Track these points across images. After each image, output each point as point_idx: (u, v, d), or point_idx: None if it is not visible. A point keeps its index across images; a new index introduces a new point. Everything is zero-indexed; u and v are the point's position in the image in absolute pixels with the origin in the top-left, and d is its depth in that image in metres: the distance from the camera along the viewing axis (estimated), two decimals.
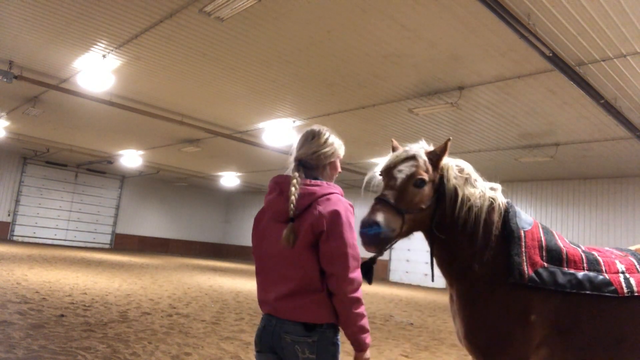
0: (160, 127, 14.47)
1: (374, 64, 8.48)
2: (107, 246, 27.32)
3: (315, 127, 2.29)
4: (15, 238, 24.06)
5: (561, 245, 2.55)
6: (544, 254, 2.48)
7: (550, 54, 6.82)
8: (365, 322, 2.03)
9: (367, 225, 2.23)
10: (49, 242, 24.99)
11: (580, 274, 2.44)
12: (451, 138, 2.59)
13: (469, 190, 2.56)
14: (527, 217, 2.67)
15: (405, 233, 2.41)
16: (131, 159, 20.06)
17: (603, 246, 2.98)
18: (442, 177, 2.51)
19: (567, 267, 2.46)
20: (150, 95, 11.65)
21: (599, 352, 2.42)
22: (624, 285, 2.44)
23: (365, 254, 2.19)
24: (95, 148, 19.89)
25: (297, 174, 2.13)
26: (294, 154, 2.24)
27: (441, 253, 2.57)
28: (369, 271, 2.39)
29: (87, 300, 8.12)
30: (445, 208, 2.50)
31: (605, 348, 2.42)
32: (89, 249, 24.65)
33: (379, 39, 7.50)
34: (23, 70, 10.49)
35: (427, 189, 2.44)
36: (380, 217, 2.26)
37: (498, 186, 2.70)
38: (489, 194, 2.62)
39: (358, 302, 2.02)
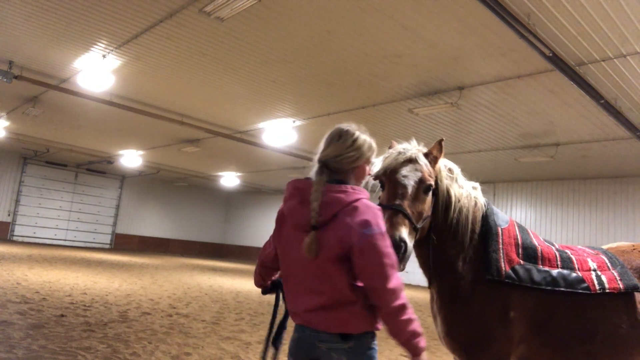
0: (160, 127, 14.46)
1: (374, 64, 8.47)
2: (107, 246, 27.31)
3: (345, 126, 2.07)
4: (15, 238, 24.05)
5: (536, 243, 2.60)
6: (520, 251, 2.53)
7: (550, 54, 6.81)
8: (415, 326, 1.89)
9: (395, 246, 2.07)
10: (49, 242, 24.98)
11: (555, 272, 2.50)
12: (444, 138, 2.58)
13: (458, 191, 2.56)
14: (504, 215, 2.71)
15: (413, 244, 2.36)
16: (131, 159, 20.05)
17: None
18: (435, 178, 2.50)
19: (542, 264, 2.52)
20: (150, 95, 11.65)
21: (574, 346, 2.48)
22: (595, 282, 2.51)
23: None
24: (95, 148, 19.89)
25: (319, 179, 1.97)
26: (318, 154, 2.05)
27: (423, 252, 2.55)
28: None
29: (87, 300, 8.12)
30: (438, 210, 2.49)
31: (579, 342, 2.48)
32: (89, 249, 24.65)
33: (379, 39, 7.50)
34: (23, 70, 10.48)
35: (430, 195, 2.41)
36: (405, 233, 2.16)
37: (478, 185, 2.73)
38: (473, 193, 2.64)
39: (403, 308, 1.88)
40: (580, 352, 2.48)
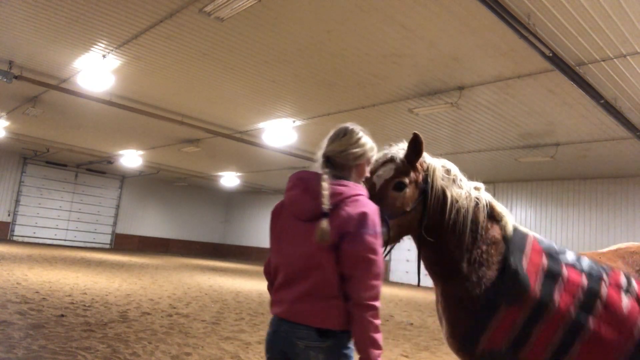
0: (160, 127, 14.47)
1: (374, 64, 8.48)
2: (107, 246, 27.32)
3: (349, 125, 2.15)
4: (15, 238, 24.06)
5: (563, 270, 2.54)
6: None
7: (550, 54, 6.82)
8: (378, 336, 1.88)
9: None
10: (49, 242, 24.98)
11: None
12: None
13: (456, 192, 2.55)
14: (522, 233, 2.66)
15: (394, 239, 2.38)
16: (131, 159, 20.05)
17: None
18: (426, 177, 2.49)
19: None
20: (150, 95, 11.65)
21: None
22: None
23: None
24: (95, 148, 19.89)
25: (326, 171, 2.03)
26: (323, 149, 2.13)
27: (429, 254, 2.56)
28: None
29: (87, 300, 8.12)
30: (432, 210, 2.49)
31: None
32: (89, 249, 24.64)
33: (379, 39, 7.50)
34: (23, 70, 10.48)
35: (409, 192, 2.42)
36: None
37: (481, 185, 2.72)
38: (474, 194, 2.63)
39: (374, 310, 1.89)
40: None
